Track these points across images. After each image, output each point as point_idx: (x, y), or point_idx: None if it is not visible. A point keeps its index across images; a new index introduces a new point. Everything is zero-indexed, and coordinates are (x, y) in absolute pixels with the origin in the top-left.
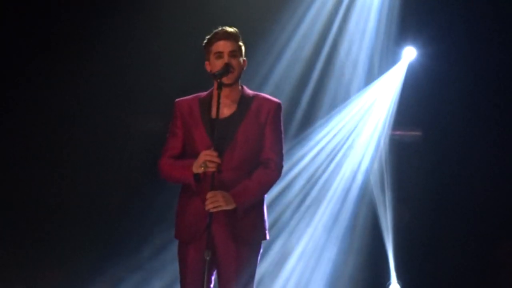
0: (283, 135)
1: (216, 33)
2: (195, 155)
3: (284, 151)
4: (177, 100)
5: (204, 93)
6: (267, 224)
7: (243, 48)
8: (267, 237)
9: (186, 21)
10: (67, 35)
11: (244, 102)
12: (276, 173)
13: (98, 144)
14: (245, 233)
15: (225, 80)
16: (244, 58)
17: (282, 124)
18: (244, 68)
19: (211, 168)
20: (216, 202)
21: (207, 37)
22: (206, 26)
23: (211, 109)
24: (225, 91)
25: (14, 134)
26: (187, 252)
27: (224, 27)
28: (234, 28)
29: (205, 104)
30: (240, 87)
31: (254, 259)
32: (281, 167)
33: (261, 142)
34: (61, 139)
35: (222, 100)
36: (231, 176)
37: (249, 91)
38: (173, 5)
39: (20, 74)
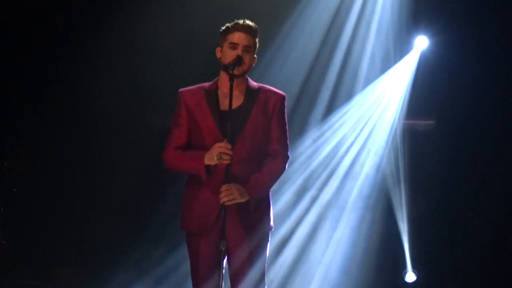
0: (287, 127)
1: (237, 23)
2: (202, 147)
3: (289, 142)
4: (181, 90)
5: (207, 84)
6: (272, 216)
7: (257, 45)
8: (273, 228)
9: (193, 18)
10: (82, 42)
11: (251, 93)
12: (284, 165)
13: (118, 143)
14: (256, 224)
15: (235, 72)
16: (255, 56)
17: (286, 116)
18: (253, 65)
19: (226, 160)
20: (231, 195)
21: (227, 24)
22: (214, 23)
23: (219, 100)
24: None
25: (33, 134)
26: (198, 244)
27: (246, 20)
28: (255, 24)
29: (212, 95)
30: (245, 79)
31: (264, 248)
32: (288, 158)
33: (268, 135)
34: (79, 140)
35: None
36: (241, 168)
37: (254, 83)
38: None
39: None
